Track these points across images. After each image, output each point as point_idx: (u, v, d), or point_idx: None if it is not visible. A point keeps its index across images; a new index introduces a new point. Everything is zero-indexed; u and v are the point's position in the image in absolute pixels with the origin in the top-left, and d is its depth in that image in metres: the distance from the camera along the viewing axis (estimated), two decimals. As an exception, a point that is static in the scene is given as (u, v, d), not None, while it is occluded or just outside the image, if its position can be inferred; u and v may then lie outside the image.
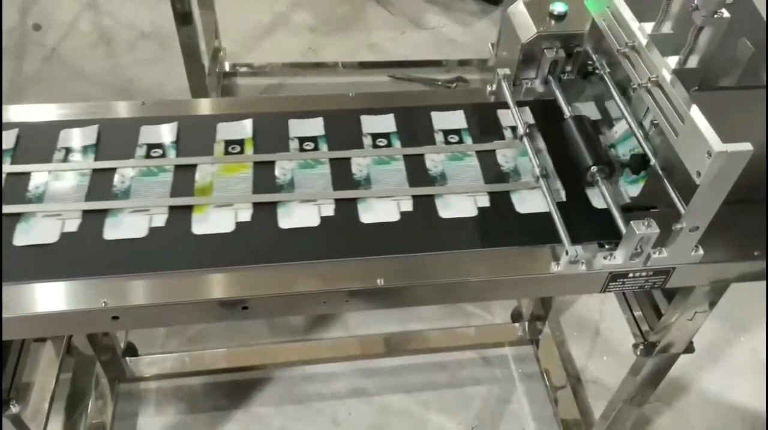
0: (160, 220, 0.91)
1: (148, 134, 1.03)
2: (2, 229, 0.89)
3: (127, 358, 1.62)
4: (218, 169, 0.98)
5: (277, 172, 0.98)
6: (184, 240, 0.89)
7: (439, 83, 2.47)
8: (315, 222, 0.92)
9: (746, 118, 0.83)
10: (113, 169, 0.97)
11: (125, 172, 0.97)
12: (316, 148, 1.02)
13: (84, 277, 0.85)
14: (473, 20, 2.78)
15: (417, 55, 2.57)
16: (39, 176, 0.96)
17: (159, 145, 1.01)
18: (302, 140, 1.03)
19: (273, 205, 0.94)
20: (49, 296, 0.83)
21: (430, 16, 2.79)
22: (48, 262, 0.86)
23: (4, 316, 0.81)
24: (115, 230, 0.90)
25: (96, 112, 1.06)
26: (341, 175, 0.98)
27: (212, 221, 0.91)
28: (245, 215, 0.92)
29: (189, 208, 0.93)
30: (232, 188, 0.96)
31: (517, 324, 1.77)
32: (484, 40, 2.63)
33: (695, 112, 0.77)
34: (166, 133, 1.03)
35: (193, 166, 0.98)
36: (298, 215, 0.92)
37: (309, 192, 0.95)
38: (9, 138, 1.01)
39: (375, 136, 1.04)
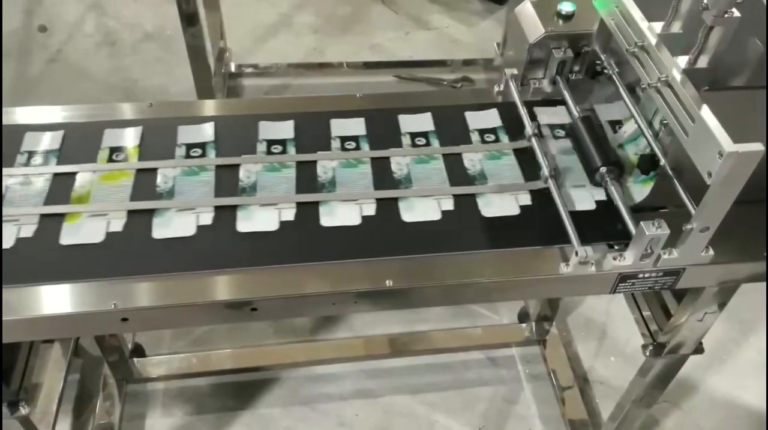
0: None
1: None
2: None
3: (135, 359, 1.62)
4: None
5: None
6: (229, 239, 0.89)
7: (445, 83, 2.47)
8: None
9: (757, 118, 0.82)
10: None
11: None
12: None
13: (93, 279, 0.85)
14: (478, 20, 2.78)
15: (422, 55, 2.57)
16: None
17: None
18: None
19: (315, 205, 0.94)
20: (59, 298, 0.83)
21: (435, 15, 2.79)
22: (57, 264, 0.86)
23: (14, 318, 0.81)
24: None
25: (101, 114, 1.07)
26: (382, 173, 0.99)
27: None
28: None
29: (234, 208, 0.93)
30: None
31: (524, 324, 1.77)
32: (489, 39, 2.62)
33: (706, 112, 0.76)
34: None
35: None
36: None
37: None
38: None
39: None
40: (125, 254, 0.87)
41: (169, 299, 0.84)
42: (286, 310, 0.92)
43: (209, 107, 1.14)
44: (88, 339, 1.45)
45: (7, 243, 0.88)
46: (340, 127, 1.06)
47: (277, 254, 0.88)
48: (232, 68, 2.43)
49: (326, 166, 0.99)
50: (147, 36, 2.59)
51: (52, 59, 2.48)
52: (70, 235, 0.89)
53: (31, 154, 0.99)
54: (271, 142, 1.02)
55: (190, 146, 1.01)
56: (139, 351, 1.63)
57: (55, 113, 1.07)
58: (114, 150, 1.00)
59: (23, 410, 1.00)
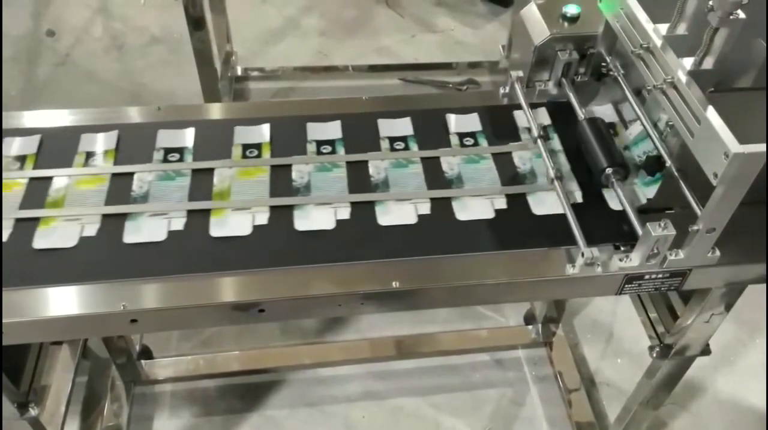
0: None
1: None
2: (18, 233, 0.90)
3: (142, 361, 1.63)
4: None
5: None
6: (202, 243, 0.90)
7: (450, 86, 2.47)
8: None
9: (763, 119, 0.82)
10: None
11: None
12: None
13: (102, 280, 0.85)
14: (483, 22, 2.78)
15: (427, 58, 2.57)
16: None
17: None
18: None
19: (290, 209, 0.94)
20: (68, 300, 0.84)
21: (440, 18, 2.79)
22: (67, 266, 0.87)
23: (23, 319, 0.82)
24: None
25: (112, 118, 1.08)
26: (358, 178, 0.99)
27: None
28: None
29: (207, 212, 0.94)
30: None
31: (530, 326, 1.77)
32: (494, 42, 2.62)
33: (711, 114, 0.76)
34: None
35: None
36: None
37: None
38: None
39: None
40: (183, 253, 0.89)
41: (178, 300, 0.85)
42: (293, 311, 0.92)
43: (219, 110, 1.15)
44: (96, 341, 1.46)
45: (45, 244, 0.88)
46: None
47: (248, 260, 0.88)
48: (239, 71, 2.44)
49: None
50: (154, 39, 2.60)
51: (60, 63, 2.50)
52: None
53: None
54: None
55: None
56: (146, 353, 1.64)
57: (65, 117, 1.08)
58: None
59: (32, 412, 1.01)
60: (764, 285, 0.96)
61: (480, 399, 1.64)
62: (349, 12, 2.79)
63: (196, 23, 1.89)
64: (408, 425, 1.60)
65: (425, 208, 0.95)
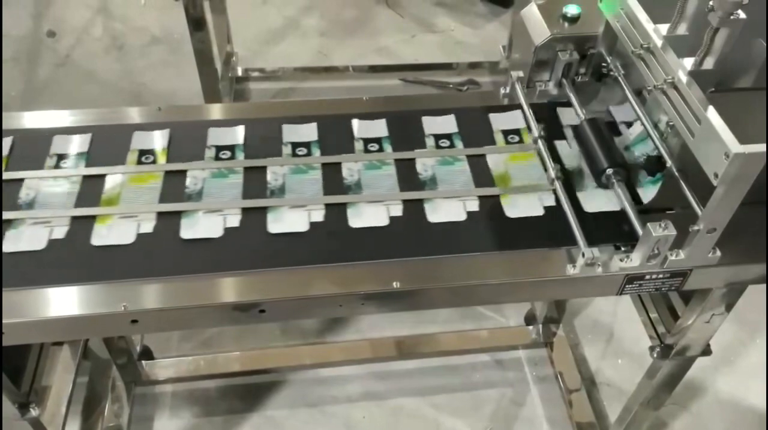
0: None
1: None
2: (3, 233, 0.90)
3: (143, 361, 1.63)
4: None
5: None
6: (175, 245, 0.89)
7: (450, 86, 2.48)
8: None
9: (764, 119, 0.82)
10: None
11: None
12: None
13: (103, 281, 0.85)
14: (483, 23, 2.78)
15: (427, 58, 2.57)
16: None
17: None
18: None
19: (263, 211, 0.94)
20: (69, 300, 0.84)
21: (440, 19, 2.79)
22: (67, 266, 0.87)
23: (25, 320, 0.82)
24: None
25: (115, 118, 1.08)
26: (332, 179, 0.98)
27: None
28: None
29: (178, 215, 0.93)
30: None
31: (530, 327, 1.77)
32: (495, 42, 2.62)
33: (712, 114, 0.76)
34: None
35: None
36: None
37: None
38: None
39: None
40: (153, 254, 0.88)
41: (178, 300, 0.85)
42: (294, 311, 0.92)
43: (220, 110, 1.16)
44: (96, 342, 1.46)
45: (40, 244, 0.88)
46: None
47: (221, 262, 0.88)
48: (239, 72, 2.44)
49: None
50: (154, 40, 2.60)
51: (60, 63, 2.50)
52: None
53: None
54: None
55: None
56: (147, 354, 1.64)
57: (66, 117, 1.08)
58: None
59: (33, 412, 1.01)
60: (762, 285, 0.96)
61: (480, 399, 1.64)
62: (349, 12, 2.79)
63: (196, 23, 1.89)
64: (408, 426, 1.60)
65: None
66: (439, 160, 1.02)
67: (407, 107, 1.12)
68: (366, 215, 0.93)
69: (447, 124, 1.08)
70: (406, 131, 1.06)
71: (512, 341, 1.75)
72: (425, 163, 1.01)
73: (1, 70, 2.37)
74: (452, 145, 1.04)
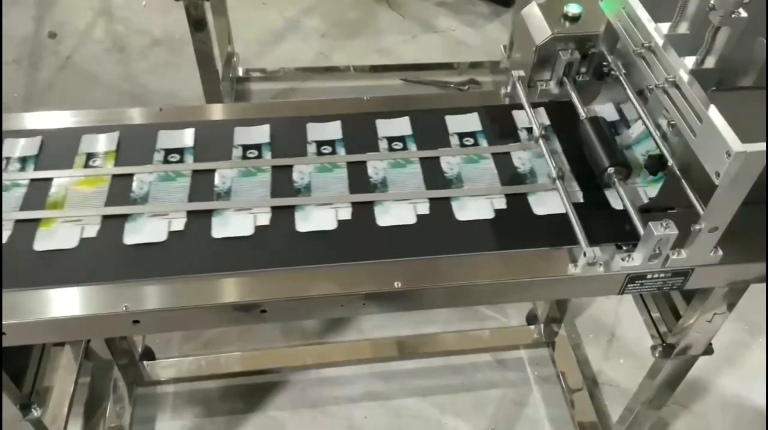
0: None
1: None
2: (22, 235, 0.90)
3: (145, 362, 1.63)
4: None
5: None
6: (203, 244, 0.90)
7: (452, 86, 2.48)
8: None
9: (765, 118, 0.82)
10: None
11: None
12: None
13: (104, 281, 0.85)
14: (484, 22, 2.78)
15: (428, 58, 2.57)
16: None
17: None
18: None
19: (291, 209, 0.94)
20: (70, 301, 0.84)
21: (441, 19, 2.79)
22: (68, 267, 0.87)
23: (25, 321, 0.82)
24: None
25: (114, 119, 1.08)
26: (358, 178, 0.99)
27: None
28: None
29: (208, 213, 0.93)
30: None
31: (532, 326, 1.77)
32: (496, 42, 2.63)
33: (713, 113, 0.76)
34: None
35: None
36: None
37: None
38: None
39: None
40: (182, 253, 0.88)
41: (180, 301, 0.85)
42: (295, 312, 0.92)
43: (221, 111, 1.16)
44: (98, 343, 1.47)
45: (72, 243, 0.88)
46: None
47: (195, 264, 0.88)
48: (240, 73, 2.45)
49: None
50: (156, 41, 2.61)
51: (62, 65, 2.50)
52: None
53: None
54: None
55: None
56: (149, 354, 1.64)
57: (69, 117, 1.08)
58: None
59: (35, 413, 1.01)
60: (764, 284, 0.95)
61: (482, 399, 1.64)
62: (350, 13, 2.79)
63: (197, 25, 1.89)
64: (410, 426, 1.60)
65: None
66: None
67: (428, 106, 1.12)
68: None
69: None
70: (429, 130, 1.07)
71: (514, 341, 1.75)
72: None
73: (2, 72, 2.38)
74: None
